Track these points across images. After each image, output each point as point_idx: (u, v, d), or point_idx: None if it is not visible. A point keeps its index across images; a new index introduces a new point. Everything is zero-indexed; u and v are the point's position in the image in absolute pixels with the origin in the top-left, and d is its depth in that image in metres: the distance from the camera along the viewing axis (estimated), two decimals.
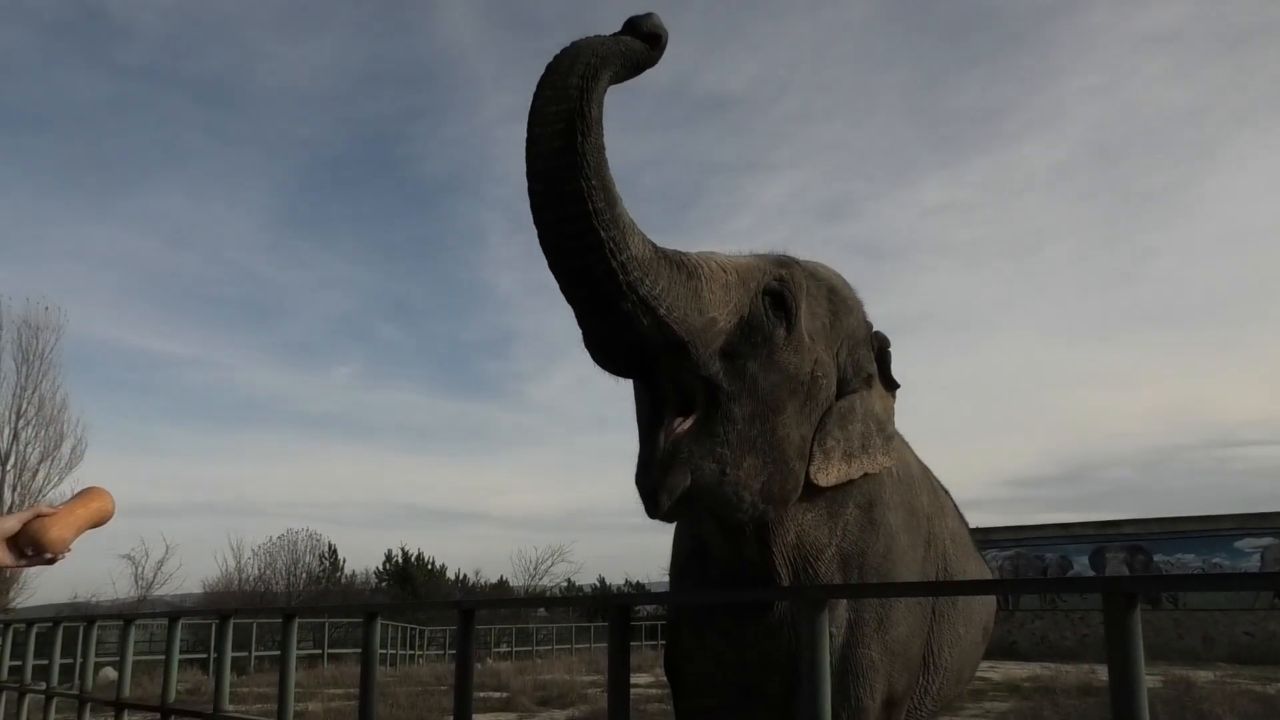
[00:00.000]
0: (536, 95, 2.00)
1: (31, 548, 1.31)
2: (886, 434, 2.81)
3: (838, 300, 2.71)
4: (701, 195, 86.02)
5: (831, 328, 2.65)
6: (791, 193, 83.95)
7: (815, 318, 2.59)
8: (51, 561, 1.36)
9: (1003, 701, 12.67)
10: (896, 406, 2.95)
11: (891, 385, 2.93)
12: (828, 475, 2.60)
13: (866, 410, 2.75)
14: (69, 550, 1.35)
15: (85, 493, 1.39)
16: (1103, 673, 2.06)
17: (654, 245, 2.17)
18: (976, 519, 3.99)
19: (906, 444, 3.33)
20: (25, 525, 1.31)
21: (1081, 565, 25.50)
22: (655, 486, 2.25)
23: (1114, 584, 2.00)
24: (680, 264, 2.23)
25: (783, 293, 2.46)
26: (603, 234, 2.00)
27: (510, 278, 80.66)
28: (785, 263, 2.59)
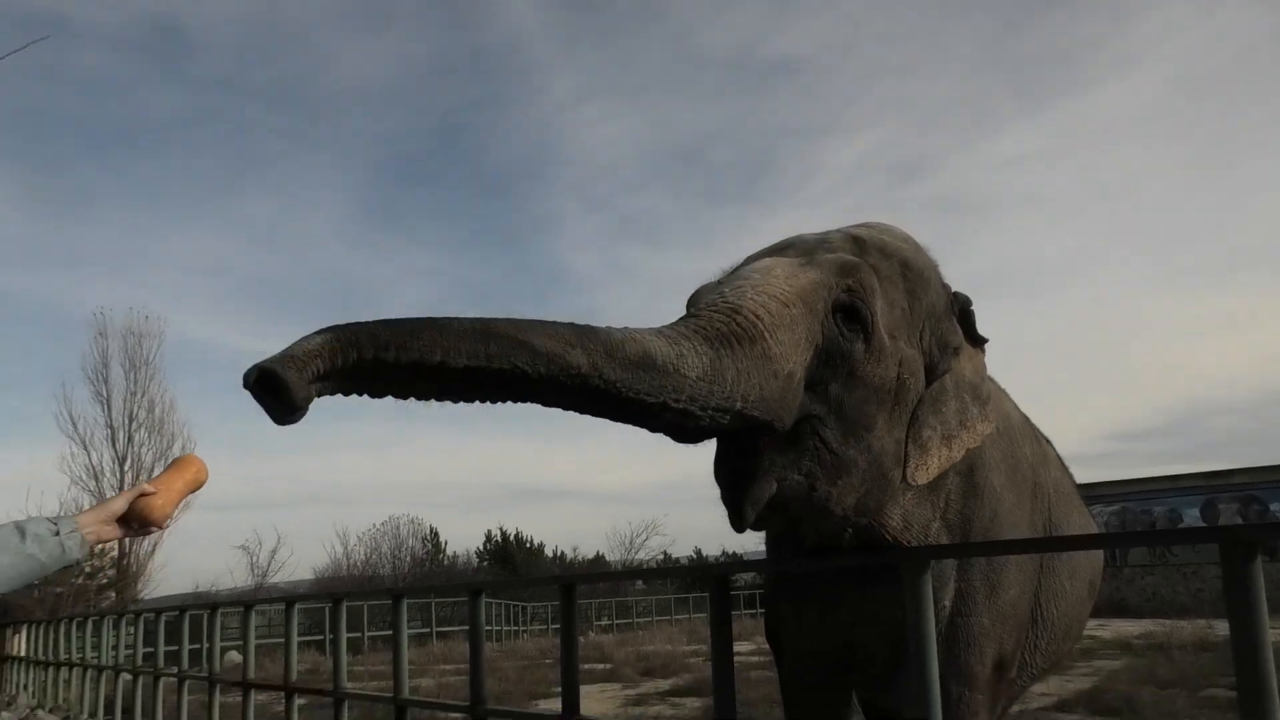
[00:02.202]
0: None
1: (138, 522, 1.47)
2: (982, 399, 2.67)
3: (913, 276, 2.53)
4: (773, 163, 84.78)
5: (911, 311, 2.49)
6: (866, 154, 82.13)
7: (893, 307, 2.43)
8: (156, 530, 1.52)
9: (1114, 659, 12.35)
10: (987, 360, 2.83)
11: (979, 342, 2.77)
12: (927, 471, 2.48)
13: (958, 383, 2.61)
14: (171, 520, 1.49)
15: (179, 462, 1.52)
16: (1221, 628, 2.00)
17: (707, 340, 2.02)
18: (1079, 475, 3.87)
19: (1004, 393, 3.20)
20: (132, 504, 1.45)
21: (1192, 518, 24.59)
22: (739, 499, 2.18)
23: (1231, 533, 1.94)
24: (738, 336, 2.07)
25: (854, 304, 2.30)
26: (662, 399, 1.93)
27: (587, 258, 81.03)
28: (850, 266, 2.37)
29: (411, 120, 76.96)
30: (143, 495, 1.46)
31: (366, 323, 1.74)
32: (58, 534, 1.39)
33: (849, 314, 2.29)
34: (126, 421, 25.88)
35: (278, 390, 1.58)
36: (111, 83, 56.09)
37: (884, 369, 2.33)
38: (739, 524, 2.21)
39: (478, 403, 1.89)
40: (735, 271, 2.47)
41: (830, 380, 2.25)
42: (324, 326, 1.73)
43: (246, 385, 1.60)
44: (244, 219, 67.01)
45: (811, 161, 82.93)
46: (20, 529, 1.37)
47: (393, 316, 1.78)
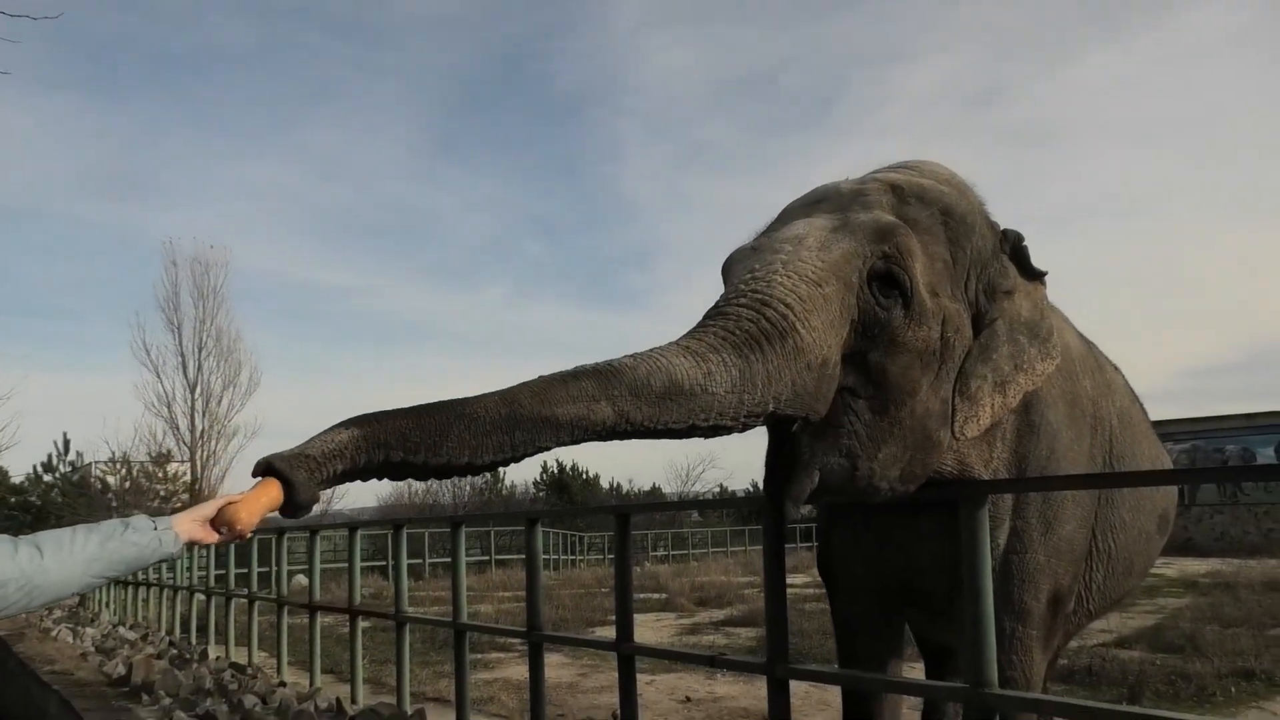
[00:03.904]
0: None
1: (226, 528, 1.62)
2: (1041, 336, 2.56)
3: (955, 223, 2.42)
4: (845, 90, 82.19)
5: (955, 261, 2.40)
6: (941, 81, 79.04)
7: (934, 261, 2.34)
8: (241, 538, 1.67)
9: (1178, 598, 12.19)
10: (1049, 292, 2.69)
11: (1036, 276, 2.63)
12: (978, 423, 2.41)
13: (1012, 324, 2.50)
14: (252, 531, 1.66)
15: (263, 483, 1.66)
16: None
17: (735, 347, 2.01)
18: (1151, 412, 3.73)
19: (1067, 320, 3.08)
20: (220, 510, 1.61)
21: (1266, 457, 23.86)
22: (780, 495, 2.17)
23: None
24: (768, 334, 2.04)
25: (891, 271, 2.23)
26: (690, 423, 1.96)
27: (649, 190, 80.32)
28: (885, 230, 2.27)
29: (477, 49, 76.25)
30: (230, 503, 1.61)
31: (393, 415, 1.71)
32: (155, 529, 1.57)
33: (886, 281, 2.22)
34: (196, 350, 26.67)
35: (285, 486, 1.56)
36: (184, 11, 56.35)
37: (926, 331, 2.26)
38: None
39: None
40: (768, 236, 2.41)
41: (870, 350, 2.20)
42: (351, 418, 1.69)
43: (255, 476, 1.59)
44: (310, 148, 67.51)
45: (883, 89, 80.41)
46: (125, 523, 1.57)
47: (418, 404, 1.74)
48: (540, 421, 1.79)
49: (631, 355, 1.97)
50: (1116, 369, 3.47)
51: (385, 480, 1.79)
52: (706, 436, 2.05)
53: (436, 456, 1.71)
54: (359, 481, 1.73)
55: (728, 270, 2.41)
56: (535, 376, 1.89)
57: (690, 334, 2.09)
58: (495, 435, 1.75)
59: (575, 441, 1.86)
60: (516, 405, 1.78)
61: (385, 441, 1.67)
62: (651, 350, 1.99)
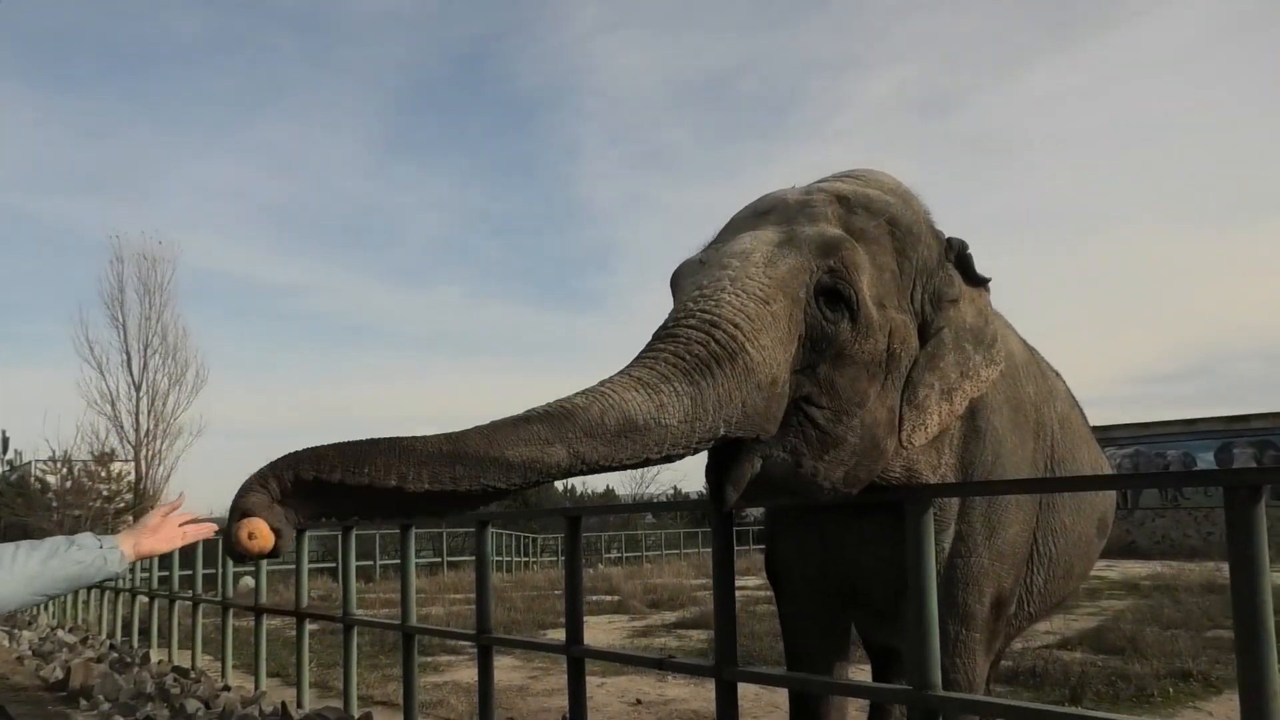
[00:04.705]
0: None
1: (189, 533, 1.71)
2: (985, 343, 2.59)
3: (901, 233, 2.44)
4: (801, 96, 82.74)
5: (901, 272, 2.42)
6: (895, 89, 79.99)
7: (882, 272, 2.36)
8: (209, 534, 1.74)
9: (1120, 600, 12.46)
10: (992, 298, 2.72)
11: (980, 283, 2.66)
12: (925, 431, 2.43)
13: (958, 332, 2.52)
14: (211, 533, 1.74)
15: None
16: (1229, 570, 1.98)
17: (686, 373, 2.00)
18: (1095, 418, 3.81)
19: (1009, 326, 3.12)
20: (166, 518, 1.66)
21: (1206, 462, 24.56)
22: (720, 478, 2.17)
23: (1236, 476, 1.91)
24: (718, 357, 2.03)
25: (837, 286, 2.24)
26: (644, 456, 1.96)
27: (607, 191, 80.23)
28: (832, 245, 2.28)
29: (434, 47, 75.38)
30: (174, 510, 1.66)
31: (315, 449, 1.67)
32: (100, 547, 1.58)
33: (832, 296, 2.23)
34: (141, 347, 26.12)
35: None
36: (133, 3, 55.12)
37: (873, 344, 2.28)
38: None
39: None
40: (715, 249, 2.41)
41: (818, 362, 2.21)
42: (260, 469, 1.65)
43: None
44: (263, 144, 66.26)
45: (840, 96, 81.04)
46: (69, 540, 1.58)
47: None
48: (486, 461, 1.75)
49: (583, 394, 1.94)
50: (1058, 375, 3.53)
51: (311, 517, 1.71)
52: (657, 464, 2.05)
53: (358, 476, 1.65)
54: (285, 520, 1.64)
55: (676, 283, 2.42)
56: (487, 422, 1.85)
57: (640, 361, 2.07)
58: (432, 465, 1.70)
59: (528, 484, 1.82)
60: (462, 443, 1.75)
61: (294, 463, 1.64)
62: (602, 386, 1.96)
